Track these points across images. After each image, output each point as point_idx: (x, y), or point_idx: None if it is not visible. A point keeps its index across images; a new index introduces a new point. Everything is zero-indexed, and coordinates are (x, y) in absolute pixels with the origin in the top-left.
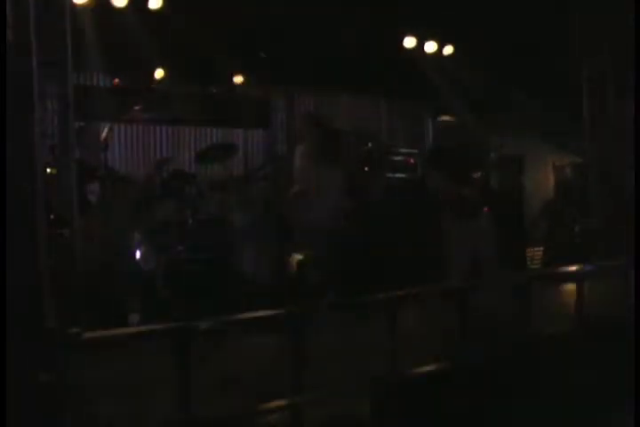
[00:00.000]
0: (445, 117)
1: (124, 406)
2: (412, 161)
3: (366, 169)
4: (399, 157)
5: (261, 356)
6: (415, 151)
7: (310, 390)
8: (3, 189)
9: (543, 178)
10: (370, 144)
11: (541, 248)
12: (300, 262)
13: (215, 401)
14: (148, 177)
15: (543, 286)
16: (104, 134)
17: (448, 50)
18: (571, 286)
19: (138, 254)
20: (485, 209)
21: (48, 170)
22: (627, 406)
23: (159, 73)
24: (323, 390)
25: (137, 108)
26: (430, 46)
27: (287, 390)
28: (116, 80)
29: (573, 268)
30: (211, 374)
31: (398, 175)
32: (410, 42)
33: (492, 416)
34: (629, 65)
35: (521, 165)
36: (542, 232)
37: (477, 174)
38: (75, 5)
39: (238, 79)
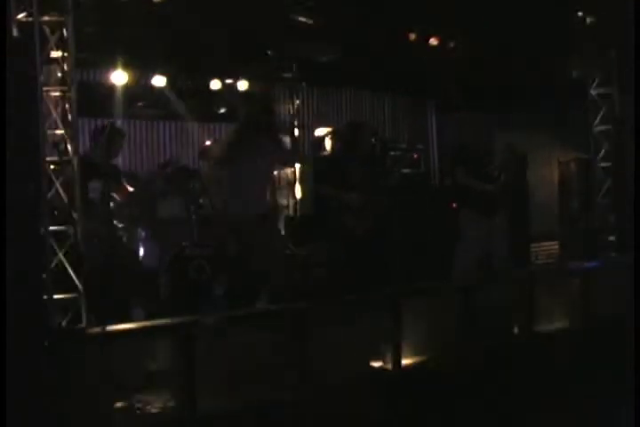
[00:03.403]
0: (466, 112)
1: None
2: (415, 156)
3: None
4: (404, 153)
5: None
6: (420, 147)
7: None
8: (6, 186)
9: (547, 174)
10: (373, 140)
11: (546, 244)
12: (303, 258)
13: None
14: (150, 179)
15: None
16: (107, 131)
17: (451, 45)
18: (576, 282)
19: (142, 251)
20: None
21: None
22: (627, 405)
23: (162, 69)
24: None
25: (140, 104)
26: (433, 41)
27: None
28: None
29: (579, 264)
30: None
31: (402, 171)
32: (413, 37)
33: (495, 410)
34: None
35: (525, 160)
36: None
37: (499, 172)
38: (77, 1)
39: (241, 74)
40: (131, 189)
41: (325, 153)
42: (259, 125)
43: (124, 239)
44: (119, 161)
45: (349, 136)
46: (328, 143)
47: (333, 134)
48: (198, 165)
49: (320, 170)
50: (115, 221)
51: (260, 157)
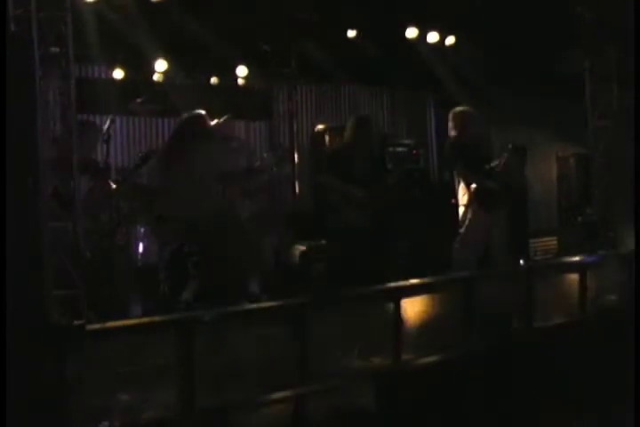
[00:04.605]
0: (464, 108)
1: None
2: (414, 152)
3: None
4: (403, 149)
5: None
6: (419, 142)
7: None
8: (5, 181)
9: (546, 169)
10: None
11: (544, 240)
12: (303, 253)
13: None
14: (132, 172)
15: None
16: (106, 126)
17: (450, 40)
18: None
19: (140, 248)
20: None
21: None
22: (627, 401)
23: (161, 65)
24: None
25: (139, 100)
26: (432, 36)
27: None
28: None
29: (577, 258)
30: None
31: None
32: (412, 32)
33: (494, 405)
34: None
35: (524, 156)
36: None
37: (497, 166)
38: None
39: (240, 70)
40: (113, 184)
41: (328, 147)
42: (195, 128)
43: (118, 235)
44: (119, 157)
45: (355, 129)
46: (327, 139)
47: (333, 130)
48: None
49: (322, 163)
50: (104, 217)
51: (201, 159)
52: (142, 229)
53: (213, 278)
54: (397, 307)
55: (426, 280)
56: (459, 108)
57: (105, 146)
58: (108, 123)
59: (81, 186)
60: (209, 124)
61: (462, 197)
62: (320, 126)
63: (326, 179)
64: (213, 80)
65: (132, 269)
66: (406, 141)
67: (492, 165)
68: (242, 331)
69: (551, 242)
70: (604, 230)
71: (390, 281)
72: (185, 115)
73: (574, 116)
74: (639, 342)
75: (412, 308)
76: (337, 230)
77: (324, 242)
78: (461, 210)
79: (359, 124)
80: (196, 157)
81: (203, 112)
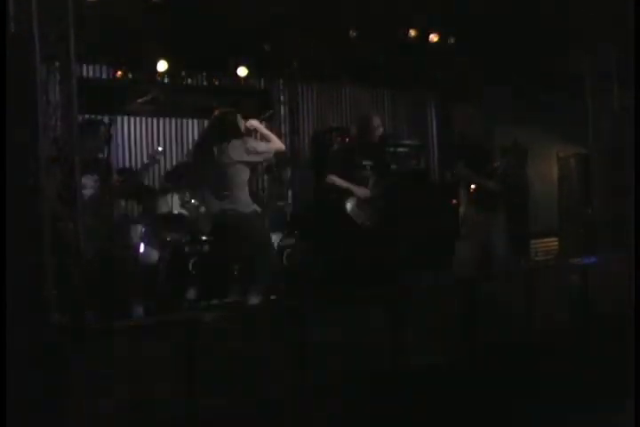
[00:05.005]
0: (464, 108)
1: None
2: (415, 152)
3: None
4: (403, 149)
5: None
6: (420, 142)
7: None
8: (5, 182)
9: (547, 169)
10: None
11: (545, 240)
12: (303, 253)
13: None
14: (141, 170)
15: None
16: (107, 127)
17: (450, 40)
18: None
19: (141, 248)
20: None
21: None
22: (627, 401)
23: (161, 65)
24: None
25: (140, 100)
26: (432, 36)
27: None
28: None
29: (577, 259)
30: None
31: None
32: (412, 32)
33: (494, 405)
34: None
35: (525, 157)
36: None
37: (499, 167)
38: None
39: (240, 70)
40: (119, 185)
41: (330, 147)
42: (227, 125)
43: (120, 235)
44: (119, 157)
45: (360, 129)
46: (328, 139)
47: (334, 130)
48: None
49: (324, 163)
50: (107, 217)
51: (228, 157)
52: (143, 229)
53: (213, 278)
54: (397, 307)
55: (426, 281)
56: (458, 109)
57: (106, 146)
58: (109, 123)
59: (85, 186)
60: (241, 124)
61: (463, 197)
62: (321, 127)
63: (327, 179)
64: (213, 80)
65: (132, 269)
66: (407, 142)
67: (494, 165)
68: (242, 331)
69: (552, 243)
70: (605, 231)
71: (390, 281)
72: (218, 111)
73: (574, 117)
74: (639, 343)
75: (412, 308)
76: (337, 230)
77: (324, 242)
78: (462, 210)
79: (364, 124)
80: (224, 155)
81: (235, 111)
